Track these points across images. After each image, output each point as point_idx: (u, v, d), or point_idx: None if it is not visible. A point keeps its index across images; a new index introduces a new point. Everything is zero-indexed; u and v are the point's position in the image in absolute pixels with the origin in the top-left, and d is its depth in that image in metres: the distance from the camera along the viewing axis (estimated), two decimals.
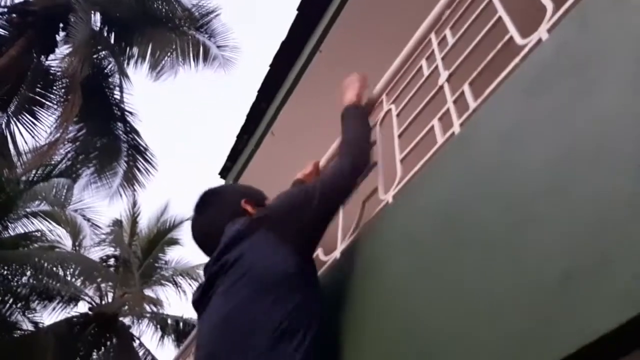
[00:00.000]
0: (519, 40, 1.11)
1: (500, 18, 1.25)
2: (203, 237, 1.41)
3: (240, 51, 10.76)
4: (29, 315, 11.75)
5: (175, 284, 14.32)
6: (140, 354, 12.85)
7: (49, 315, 12.23)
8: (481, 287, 0.81)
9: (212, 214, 1.40)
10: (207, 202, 1.45)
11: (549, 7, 1.05)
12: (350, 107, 1.61)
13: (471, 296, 0.82)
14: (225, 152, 4.48)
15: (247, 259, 1.10)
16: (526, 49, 1.06)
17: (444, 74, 1.38)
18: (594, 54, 0.82)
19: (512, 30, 1.16)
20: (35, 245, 12.63)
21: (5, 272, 10.99)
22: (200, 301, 1.20)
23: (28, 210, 12.13)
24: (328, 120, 3.75)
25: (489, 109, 1.04)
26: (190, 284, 14.28)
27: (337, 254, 1.54)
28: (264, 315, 0.98)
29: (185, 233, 14.74)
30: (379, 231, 1.26)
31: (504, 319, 0.72)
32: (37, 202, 12.27)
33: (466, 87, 1.24)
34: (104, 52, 10.52)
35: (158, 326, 13.44)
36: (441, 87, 1.37)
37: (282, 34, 3.74)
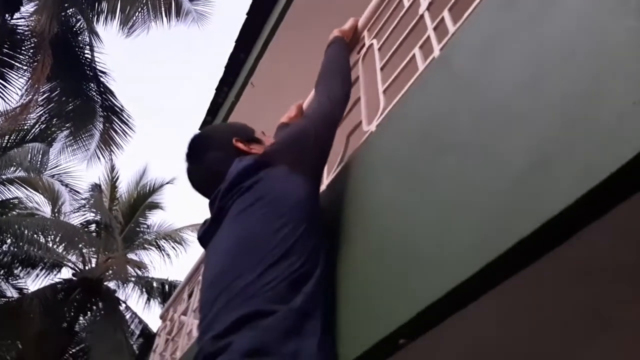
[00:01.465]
0: None
1: None
2: (204, 183, 1.42)
3: (213, 4, 10.49)
4: (13, 282, 11.72)
5: (159, 247, 14.37)
6: (127, 317, 12.99)
7: (33, 282, 12.24)
8: (456, 186, 0.88)
9: (208, 159, 1.40)
10: (199, 148, 1.45)
11: None
12: (335, 39, 1.72)
13: (447, 195, 0.89)
14: (205, 108, 4.46)
15: (261, 185, 1.14)
16: None
17: (424, 3, 1.41)
18: None
19: None
20: (14, 212, 12.48)
21: None
22: (208, 232, 1.25)
23: (4, 177, 11.93)
24: (307, 69, 3.75)
25: (466, 29, 1.08)
26: (173, 247, 14.36)
27: (322, 187, 1.58)
28: (272, 236, 1.02)
29: (166, 196, 14.69)
30: (363, 158, 1.31)
31: (477, 206, 0.79)
32: (12, 169, 12.06)
33: (446, 13, 1.27)
34: (71, 10, 10.14)
35: (143, 289, 13.56)
36: (421, 16, 1.40)
37: None
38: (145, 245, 14.46)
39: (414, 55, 1.36)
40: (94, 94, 10.07)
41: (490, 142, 0.84)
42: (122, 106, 10.29)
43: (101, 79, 10.11)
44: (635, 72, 0.62)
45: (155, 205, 15.06)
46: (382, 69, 1.54)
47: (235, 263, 1.03)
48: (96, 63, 10.11)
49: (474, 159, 0.86)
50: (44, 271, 12.28)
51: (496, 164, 0.80)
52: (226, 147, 1.38)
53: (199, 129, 4.65)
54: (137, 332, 13.03)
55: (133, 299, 13.65)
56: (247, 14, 3.77)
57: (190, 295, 3.15)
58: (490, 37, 0.96)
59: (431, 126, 1.05)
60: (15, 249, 11.49)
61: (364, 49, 1.73)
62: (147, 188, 14.91)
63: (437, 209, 0.90)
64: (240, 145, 1.38)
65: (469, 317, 0.80)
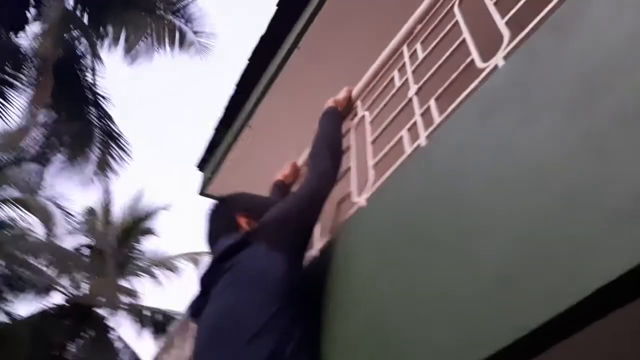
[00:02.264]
0: (479, 63, 1.23)
1: (464, 40, 1.37)
2: (209, 246, 1.55)
3: (216, 38, 10.70)
4: (2, 306, 11.57)
5: (151, 274, 14.27)
6: (118, 346, 12.78)
7: (24, 306, 12.08)
8: (435, 283, 0.94)
9: (213, 226, 1.55)
10: (213, 212, 1.60)
11: (506, 35, 1.18)
12: (328, 110, 1.82)
13: (426, 290, 0.96)
14: (201, 140, 4.53)
15: (240, 266, 1.23)
16: (485, 73, 1.18)
17: (413, 87, 1.50)
18: (539, 84, 0.94)
19: (474, 53, 1.28)
20: (6, 232, 12.40)
21: None
22: (197, 304, 1.33)
23: None
24: (305, 115, 3.85)
25: (450, 126, 1.16)
26: (166, 275, 14.27)
27: (315, 251, 1.65)
28: (248, 315, 1.10)
29: (160, 223, 14.65)
30: (351, 232, 1.38)
31: (449, 310, 0.85)
32: (6, 188, 12.05)
33: (432, 103, 1.36)
34: (76, 33, 10.30)
35: (135, 318, 13.38)
36: (410, 100, 1.49)
37: (257, 27, 3.81)
38: (138, 272, 14.35)
39: (401, 137, 1.45)
40: (93, 118, 10.16)
41: (466, 245, 0.92)
42: (120, 132, 10.37)
43: (101, 103, 10.22)
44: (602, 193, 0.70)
45: (149, 231, 15.01)
46: (372, 142, 1.63)
47: (215, 340, 1.12)
48: (97, 87, 10.24)
49: (452, 258, 0.93)
50: (34, 294, 12.14)
51: (469, 265, 0.87)
52: (229, 220, 1.51)
53: (197, 166, 4.73)
54: None
55: (125, 328, 13.43)
56: (249, 59, 3.88)
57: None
58: (470, 141, 1.04)
59: (412, 214, 1.13)
60: (7, 271, 11.39)
61: (357, 118, 1.82)
62: (142, 213, 14.88)
63: (416, 303, 0.97)
64: (242, 221, 1.49)
65: None
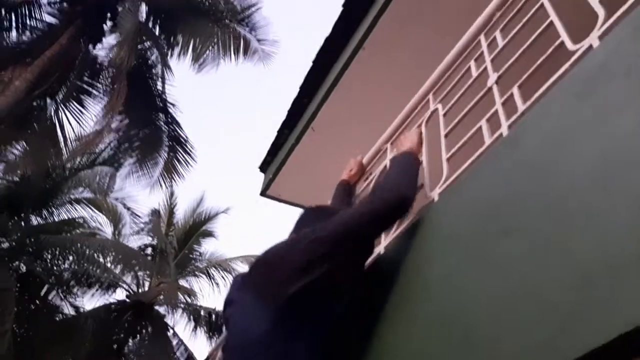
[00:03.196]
0: (570, 45, 1.14)
1: (551, 22, 1.28)
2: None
3: (279, 45, 10.89)
4: (70, 300, 12.20)
5: (209, 275, 14.62)
6: (174, 343, 13.17)
7: (89, 301, 12.70)
8: (521, 276, 0.86)
9: None
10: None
11: (601, 14, 1.08)
12: (405, 152, 1.54)
13: (510, 283, 0.87)
14: (265, 146, 4.58)
15: (231, 324, 1.20)
16: (577, 55, 1.09)
17: (492, 76, 1.41)
18: None
19: (564, 35, 1.19)
20: (77, 231, 13.10)
21: (49, 257, 11.46)
22: None
23: (72, 196, 12.63)
24: (368, 118, 3.82)
25: (539, 111, 1.07)
26: (223, 277, 14.57)
27: (381, 248, 1.59)
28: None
29: (219, 225, 15.01)
30: (425, 227, 1.30)
31: (540, 304, 0.77)
32: (80, 189, 12.76)
33: (515, 90, 1.27)
34: (148, 43, 10.82)
35: (191, 317, 13.74)
36: (490, 89, 1.40)
37: (321, 29, 3.80)
38: (197, 273, 14.75)
39: (480, 127, 1.37)
40: (162, 124, 10.60)
41: (559, 235, 0.83)
42: (186, 137, 10.76)
43: (170, 110, 10.65)
44: None
45: (209, 234, 15.41)
46: (446, 135, 1.55)
47: None
48: (166, 95, 10.69)
49: (541, 250, 0.85)
50: (99, 290, 12.72)
51: (565, 261, 0.78)
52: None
53: (259, 167, 4.78)
54: (183, 359, 13.16)
55: (180, 326, 13.83)
56: (313, 61, 3.89)
57: None
58: (564, 125, 0.95)
59: (498, 205, 1.04)
60: (76, 267, 12.00)
61: (428, 113, 1.75)
62: (203, 216, 15.32)
63: (499, 296, 0.89)
64: None
65: None
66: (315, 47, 3.84)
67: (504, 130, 1.22)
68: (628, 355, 0.63)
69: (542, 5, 1.36)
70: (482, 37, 1.63)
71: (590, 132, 0.88)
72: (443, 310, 1.04)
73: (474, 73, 1.57)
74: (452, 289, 1.05)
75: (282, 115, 4.31)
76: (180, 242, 14.92)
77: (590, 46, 1.06)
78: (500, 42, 1.49)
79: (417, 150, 1.56)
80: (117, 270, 13.19)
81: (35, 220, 12.01)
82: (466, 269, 1.03)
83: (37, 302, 11.49)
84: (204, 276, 14.79)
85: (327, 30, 3.76)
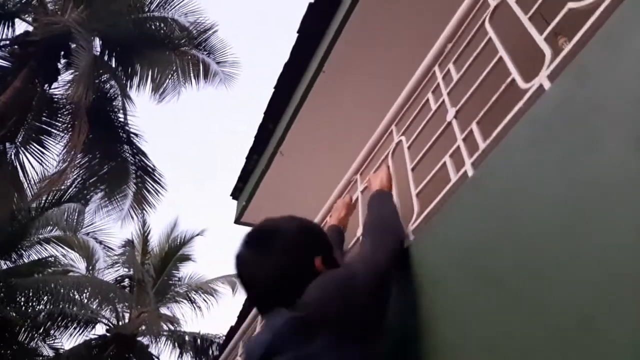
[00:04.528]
0: (521, 84, 1.18)
1: (501, 58, 1.32)
2: (252, 282, 1.20)
3: (240, 65, 10.89)
4: (49, 342, 11.86)
5: (190, 300, 14.43)
6: None
7: (68, 340, 12.36)
8: (498, 330, 0.88)
9: (272, 261, 1.16)
10: (266, 243, 1.19)
11: (548, 53, 1.13)
12: (378, 191, 1.55)
13: (488, 336, 0.90)
14: (232, 166, 4.56)
15: None
16: (529, 94, 1.13)
17: (451, 111, 1.45)
18: (594, 107, 0.89)
19: (514, 73, 1.23)
20: (50, 270, 12.76)
21: (22, 300, 11.13)
22: None
23: (41, 236, 12.30)
24: (335, 138, 3.85)
25: (499, 154, 1.11)
26: (205, 300, 14.41)
27: None
28: None
29: (196, 248, 14.82)
30: (400, 268, 1.32)
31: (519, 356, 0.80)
32: (49, 228, 12.44)
33: (474, 126, 1.31)
34: (105, 76, 10.68)
35: (176, 343, 13.53)
36: (449, 124, 1.44)
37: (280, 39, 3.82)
38: (177, 298, 14.54)
39: (444, 163, 1.40)
40: (128, 155, 10.44)
41: (533, 290, 0.86)
42: (154, 166, 10.62)
43: (134, 140, 10.50)
44: None
45: (186, 258, 15.23)
46: (413, 169, 1.59)
47: None
48: (129, 126, 10.53)
49: (516, 305, 0.87)
50: (78, 328, 12.41)
51: (537, 315, 0.81)
52: (301, 261, 1.16)
53: (231, 195, 4.75)
54: None
55: (165, 354, 13.59)
56: (275, 87, 3.91)
57: None
58: (525, 169, 0.99)
59: (468, 251, 1.07)
60: (51, 307, 11.68)
61: (393, 144, 1.79)
62: (178, 241, 15.14)
63: (479, 347, 0.91)
64: (318, 261, 1.16)
65: None
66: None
67: (467, 168, 1.26)
68: None
69: (490, 40, 1.41)
70: (436, 69, 1.67)
71: (550, 178, 0.92)
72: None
73: (433, 106, 1.61)
74: (434, 334, 1.07)
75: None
76: (157, 270, 14.68)
77: (541, 85, 1.10)
78: (455, 75, 1.54)
79: (388, 187, 1.58)
80: (95, 306, 12.90)
81: (4, 264, 11.64)
82: (438, 318, 1.06)
83: (14, 347, 11.14)
84: (185, 301, 14.61)
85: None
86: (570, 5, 1.11)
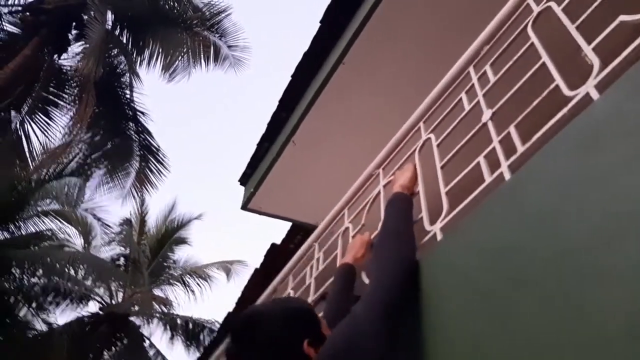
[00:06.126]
0: (566, 91, 1.19)
1: (544, 64, 1.33)
2: None
3: (250, 51, 10.86)
4: (42, 316, 11.89)
5: (184, 283, 14.45)
6: (151, 354, 12.98)
7: (60, 314, 12.39)
8: (541, 332, 0.90)
9: (258, 356, 1.15)
10: (251, 337, 1.17)
11: (596, 63, 1.14)
12: (399, 194, 1.57)
13: (527, 337, 0.91)
14: (235, 152, 4.54)
15: None
16: (574, 101, 1.14)
17: (487, 112, 1.46)
18: None
19: (558, 79, 1.24)
20: (46, 244, 12.76)
21: (17, 272, 11.14)
22: None
23: (39, 209, 12.28)
24: (350, 132, 3.86)
25: (541, 158, 1.12)
26: (199, 284, 14.43)
27: None
28: None
29: (193, 232, 14.80)
30: (429, 266, 1.33)
31: None
32: (48, 201, 12.42)
33: (512, 129, 1.32)
34: (116, 51, 10.63)
35: (168, 326, 13.57)
36: (484, 125, 1.45)
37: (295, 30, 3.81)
38: (171, 281, 14.56)
39: (478, 162, 1.41)
40: (132, 133, 10.43)
41: (571, 292, 0.87)
42: (158, 146, 10.61)
43: (140, 119, 10.48)
44: None
45: (183, 241, 15.24)
46: (442, 167, 1.60)
47: None
48: (136, 103, 10.52)
49: (554, 305, 0.89)
50: (71, 304, 12.44)
51: (578, 319, 0.83)
52: (290, 350, 1.15)
53: (239, 181, 4.76)
54: None
55: (157, 336, 13.63)
56: (292, 76, 3.90)
57: None
58: (568, 176, 1.00)
59: (504, 251, 1.08)
60: (46, 281, 11.70)
61: (421, 142, 1.79)
62: (175, 223, 15.13)
63: (516, 348, 0.93)
64: (312, 351, 1.13)
65: None
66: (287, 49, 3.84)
67: (504, 170, 1.27)
68: None
69: (532, 44, 1.41)
70: (471, 69, 1.68)
71: (594, 188, 0.93)
72: (459, 353, 1.08)
73: (466, 106, 1.62)
74: (463, 336, 1.09)
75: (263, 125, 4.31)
76: (153, 251, 14.70)
77: (587, 94, 1.11)
78: (492, 77, 1.54)
79: (411, 186, 1.59)
80: (89, 282, 12.92)
81: (1, 234, 11.64)
82: (477, 316, 1.07)
83: (7, 319, 11.16)
84: (179, 284, 14.61)
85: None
86: (622, 18, 1.12)
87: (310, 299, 2.10)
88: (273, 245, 5.00)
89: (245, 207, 4.55)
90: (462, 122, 1.63)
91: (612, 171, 0.91)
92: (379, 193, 1.93)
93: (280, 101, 4.06)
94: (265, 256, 4.89)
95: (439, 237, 1.39)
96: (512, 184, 1.18)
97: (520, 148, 1.25)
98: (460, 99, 1.69)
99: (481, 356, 1.01)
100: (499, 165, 1.30)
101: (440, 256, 1.29)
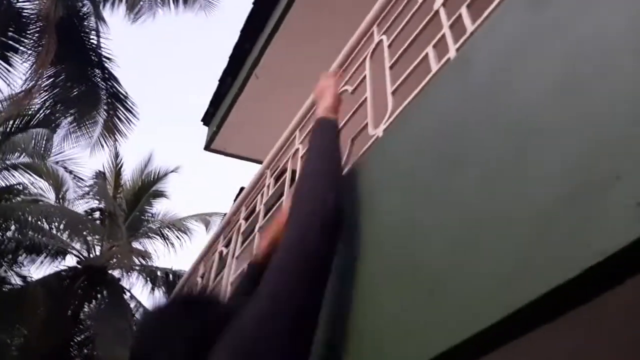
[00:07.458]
0: None
1: None
2: None
3: None
4: (17, 270, 11.74)
5: (163, 236, 14.35)
6: (132, 306, 13.01)
7: (37, 269, 12.26)
8: (475, 211, 0.77)
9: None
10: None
11: None
12: (322, 120, 1.29)
13: (464, 220, 0.79)
14: (208, 99, 4.33)
15: None
16: None
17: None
18: None
19: None
20: (18, 198, 12.46)
21: None
22: None
23: (8, 162, 11.89)
24: (312, 62, 3.64)
25: (489, 28, 0.96)
26: (178, 237, 14.34)
27: None
28: None
29: (170, 185, 14.61)
30: (369, 165, 1.20)
31: (505, 243, 0.68)
32: (16, 154, 12.03)
33: (463, 10, 1.15)
34: None
35: (148, 278, 13.54)
36: (436, 13, 1.28)
37: None
38: (150, 234, 14.45)
39: (427, 54, 1.25)
40: (99, 80, 9.97)
41: (513, 165, 0.73)
42: (126, 93, 10.19)
43: (106, 65, 10.01)
44: None
45: (160, 194, 15.04)
46: (391, 67, 1.43)
47: None
48: (101, 49, 10.02)
49: (494, 182, 0.76)
50: (48, 258, 12.29)
51: (521, 191, 0.69)
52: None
53: (202, 120, 4.55)
54: None
55: (137, 288, 13.66)
56: (253, 3, 3.65)
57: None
58: (518, 39, 0.85)
59: (447, 136, 0.94)
60: (20, 236, 11.49)
61: (373, 45, 1.62)
62: (152, 176, 14.87)
63: (454, 234, 0.80)
64: None
65: None
66: None
67: (451, 54, 1.11)
68: (599, 289, 0.55)
69: None
70: None
71: (546, 44, 0.78)
72: (397, 256, 0.95)
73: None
74: (405, 231, 0.96)
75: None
76: (129, 204, 14.47)
77: None
78: None
79: (335, 105, 1.33)
80: (65, 237, 12.74)
81: None
82: (419, 209, 0.93)
83: None
84: (157, 237, 14.50)
85: None
86: None
87: (258, 226, 1.96)
88: (242, 190, 4.86)
89: (208, 147, 4.36)
90: (416, 20, 1.46)
91: (558, 24, 0.76)
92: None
93: (242, 31, 3.82)
94: (235, 200, 4.76)
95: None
96: (456, 63, 1.03)
97: (470, 27, 1.09)
98: None
99: (421, 244, 0.88)
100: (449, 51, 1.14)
101: (378, 154, 1.15)
